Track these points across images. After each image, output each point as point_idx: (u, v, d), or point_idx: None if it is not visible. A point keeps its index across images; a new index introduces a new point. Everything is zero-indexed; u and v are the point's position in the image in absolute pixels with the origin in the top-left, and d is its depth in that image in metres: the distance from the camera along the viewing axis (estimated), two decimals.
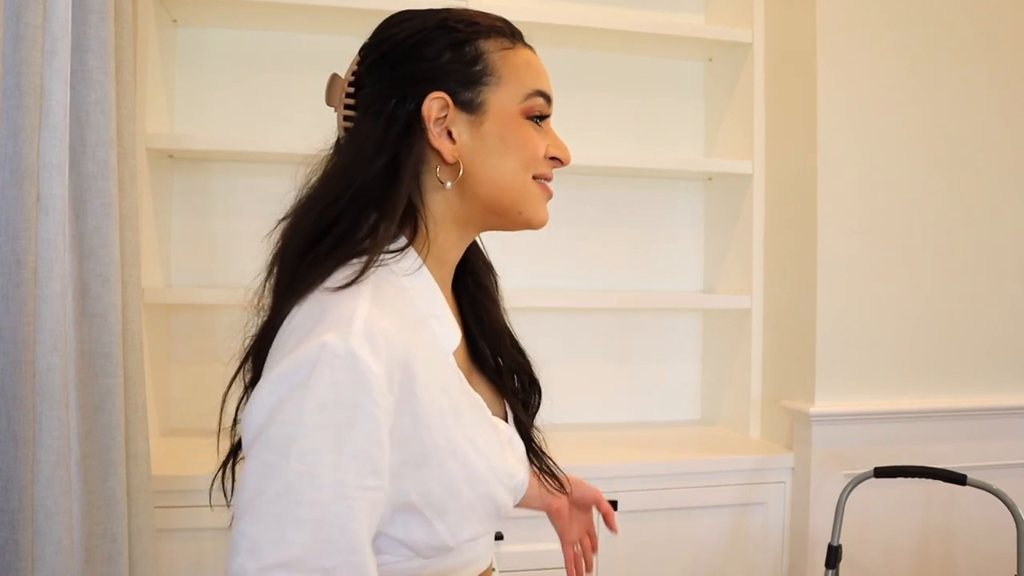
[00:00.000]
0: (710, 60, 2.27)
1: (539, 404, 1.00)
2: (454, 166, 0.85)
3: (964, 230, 1.96)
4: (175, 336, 1.98)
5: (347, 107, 0.88)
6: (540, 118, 0.89)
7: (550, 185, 0.91)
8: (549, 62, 2.40)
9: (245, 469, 0.72)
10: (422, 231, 0.85)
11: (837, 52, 1.87)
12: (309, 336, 0.73)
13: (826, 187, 1.86)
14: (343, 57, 1.01)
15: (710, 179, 2.25)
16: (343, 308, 0.75)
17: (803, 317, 1.90)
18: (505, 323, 0.99)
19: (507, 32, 0.89)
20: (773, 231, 2.04)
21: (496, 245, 2.31)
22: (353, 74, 0.88)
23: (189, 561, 1.60)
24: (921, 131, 1.93)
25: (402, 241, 0.85)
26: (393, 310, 0.78)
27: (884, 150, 1.90)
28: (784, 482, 1.89)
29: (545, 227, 0.91)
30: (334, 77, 0.90)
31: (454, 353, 0.87)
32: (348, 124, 0.88)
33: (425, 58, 0.85)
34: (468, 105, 0.85)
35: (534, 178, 0.88)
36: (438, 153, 0.84)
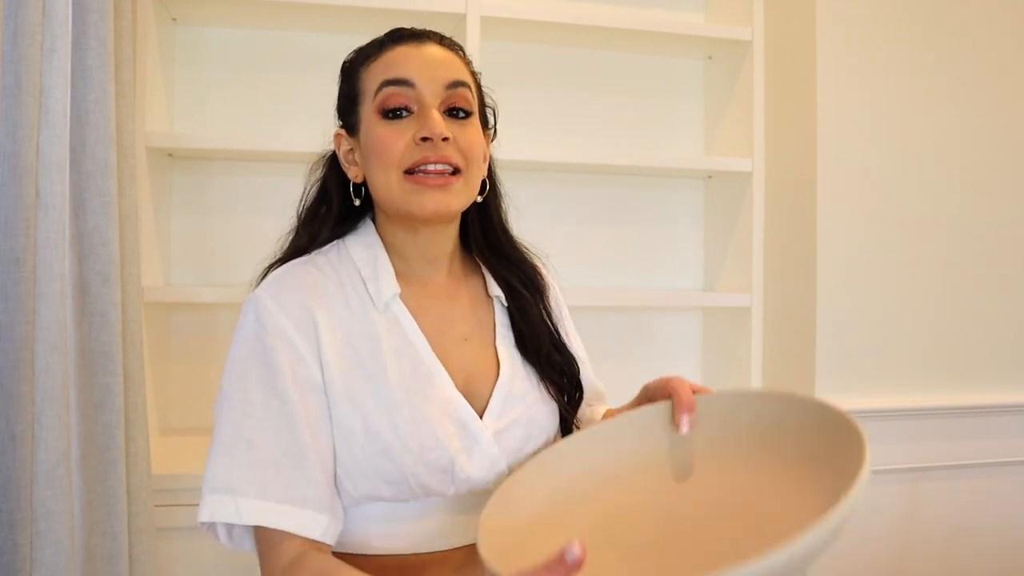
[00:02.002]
0: (710, 58, 2.27)
1: (576, 397, 1.05)
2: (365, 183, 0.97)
3: (964, 226, 1.96)
4: (175, 335, 1.98)
5: None
6: (396, 112, 0.91)
7: (432, 170, 0.90)
8: (548, 61, 2.39)
9: None
10: (378, 228, 0.99)
11: (837, 49, 1.87)
12: None
13: (826, 185, 1.86)
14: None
15: (710, 177, 2.25)
16: (266, 281, 0.93)
17: (803, 315, 1.90)
18: (544, 321, 1.04)
19: (377, 44, 0.97)
20: (773, 229, 2.04)
21: None
22: None
23: (189, 560, 1.60)
24: (922, 128, 1.93)
25: (368, 228, 0.99)
26: (300, 277, 0.92)
27: (884, 147, 1.90)
28: None
29: (427, 215, 0.92)
30: None
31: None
32: None
33: (338, 101, 1.00)
34: (352, 129, 0.97)
35: (407, 173, 0.90)
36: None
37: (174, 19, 1.96)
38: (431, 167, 0.89)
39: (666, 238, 2.27)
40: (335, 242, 0.99)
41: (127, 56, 1.50)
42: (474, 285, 1.04)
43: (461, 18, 1.90)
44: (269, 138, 1.86)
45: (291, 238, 1.00)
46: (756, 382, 2.06)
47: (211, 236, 1.99)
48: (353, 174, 0.97)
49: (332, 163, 1.02)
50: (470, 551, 0.93)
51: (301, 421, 0.85)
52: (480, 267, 1.06)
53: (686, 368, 2.29)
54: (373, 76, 0.94)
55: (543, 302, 1.06)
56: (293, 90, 2.01)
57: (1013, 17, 1.98)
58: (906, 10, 1.91)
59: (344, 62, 1.01)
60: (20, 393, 1.19)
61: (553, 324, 1.05)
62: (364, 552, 0.91)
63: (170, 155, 1.94)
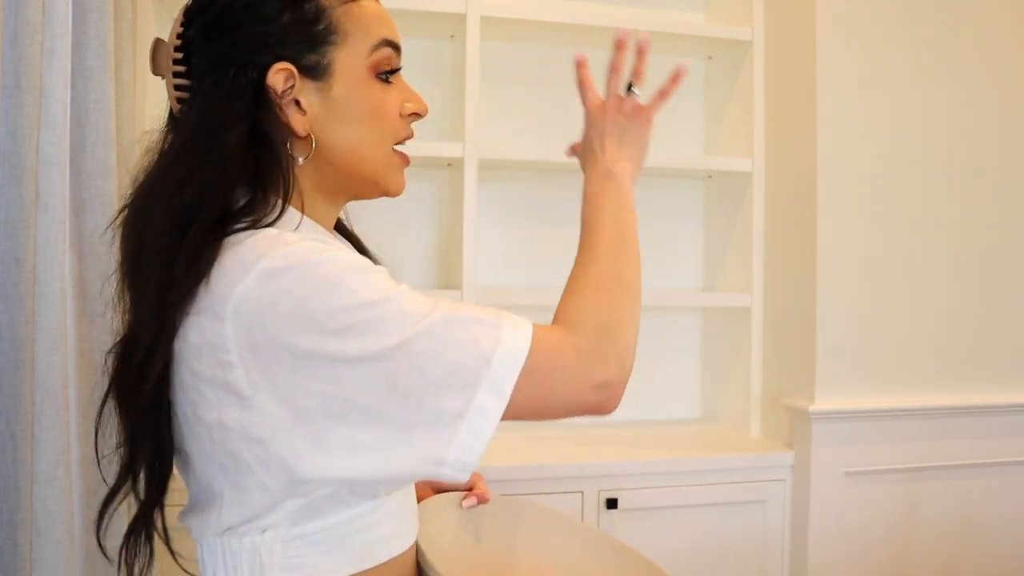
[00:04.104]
0: (710, 58, 2.27)
1: None
2: (307, 138, 0.80)
3: (964, 226, 1.96)
4: None
5: (178, 75, 0.80)
6: (390, 72, 0.84)
7: (406, 149, 0.87)
8: (548, 61, 2.38)
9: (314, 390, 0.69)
10: (292, 203, 0.79)
11: (837, 49, 1.87)
12: (246, 271, 0.70)
13: (826, 184, 1.86)
14: None
15: (710, 177, 2.25)
16: (259, 241, 0.72)
17: (803, 315, 1.90)
18: None
19: None
20: (773, 229, 2.04)
21: (493, 243, 2.30)
22: (179, 37, 0.81)
23: (189, 561, 1.60)
24: (922, 128, 1.92)
25: (277, 208, 0.78)
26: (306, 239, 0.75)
27: (884, 147, 1.90)
28: (784, 480, 1.89)
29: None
30: (158, 42, 0.83)
31: None
32: (181, 94, 0.80)
33: (263, 19, 0.78)
34: (314, 70, 0.79)
35: (395, 145, 0.85)
36: (288, 126, 0.79)
37: (174, 19, 1.96)
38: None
39: (666, 238, 2.27)
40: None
41: (127, 56, 1.50)
42: None
43: (461, 18, 1.90)
44: None
45: (215, 215, 0.74)
46: (756, 382, 2.06)
47: None
48: (301, 125, 0.79)
49: (253, 107, 0.78)
50: None
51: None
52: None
53: (686, 368, 2.29)
54: (363, 24, 0.82)
55: None
56: None
57: (1013, 17, 1.98)
58: (906, 10, 1.91)
59: None
60: (20, 393, 1.19)
61: None
62: (371, 564, 0.82)
63: None
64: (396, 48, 0.84)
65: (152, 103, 1.81)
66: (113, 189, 1.42)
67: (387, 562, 0.82)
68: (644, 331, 2.32)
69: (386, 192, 0.86)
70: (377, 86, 0.82)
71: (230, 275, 0.70)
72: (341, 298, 0.69)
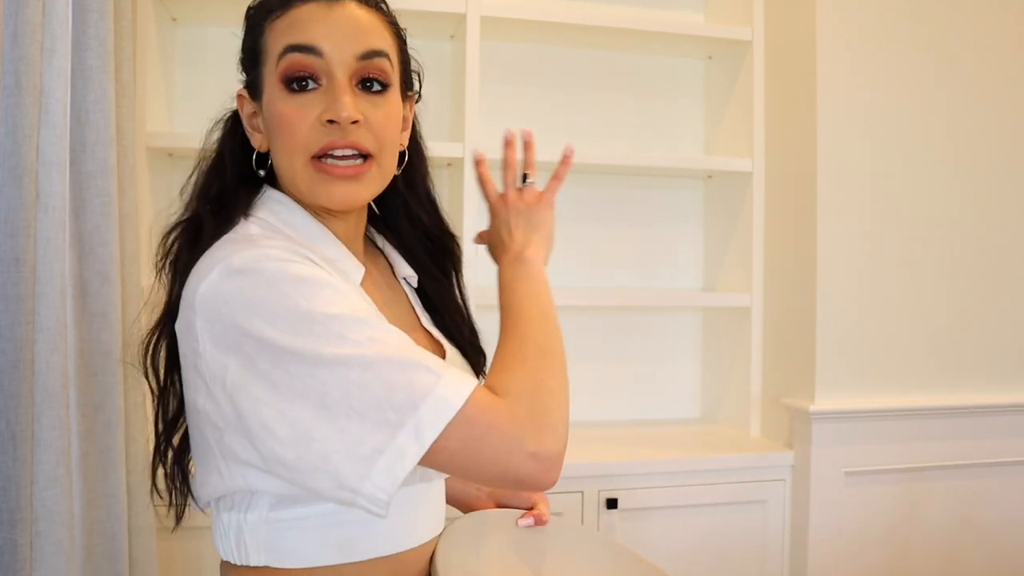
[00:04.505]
0: (710, 58, 2.27)
1: (483, 369, 1.04)
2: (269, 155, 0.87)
3: (964, 226, 1.96)
4: None
5: None
6: (300, 83, 0.80)
7: (340, 155, 0.81)
8: (548, 61, 2.39)
9: (263, 403, 0.72)
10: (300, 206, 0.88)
11: (837, 49, 1.87)
12: (209, 273, 0.75)
13: (826, 184, 1.86)
14: None
15: (710, 177, 2.25)
16: (232, 242, 0.78)
17: (803, 315, 1.90)
18: (460, 306, 1.03)
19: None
20: (773, 229, 2.04)
21: None
22: None
23: (189, 560, 1.60)
24: (922, 128, 1.92)
25: (286, 203, 0.87)
26: (282, 244, 0.79)
27: (884, 147, 1.90)
28: (784, 480, 1.89)
29: (339, 206, 0.85)
30: None
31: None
32: None
33: (242, 50, 0.90)
34: (255, 91, 0.87)
35: (314, 158, 0.81)
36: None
37: (174, 19, 1.96)
38: (339, 152, 0.80)
39: (666, 238, 2.27)
40: (255, 219, 0.85)
41: (127, 56, 1.50)
42: (382, 265, 0.98)
43: (461, 18, 1.90)
44: None
45: (196, 228, 0.84)
46: (756, 382, 2.06)
47: None
48: (258, 142, 0.87)
49: (234, 125, 0.91)
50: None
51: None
52: (376, 246, 1.00)
53: (686, 368, 2.30)
54: (277, 35, 0.82)
55: (459, 279, 1.04)
56: None
57: (1013, 17, 1.98)
58: (906, 10, 1.91)
59: (248, 8, 0.89)
60: (20, 393, 1.19)
61: (466, 303, 1.04)
62: (352, 559, 0.82)
63: (170, 155, 1.93)
64: (308, 50, 0.80)
65: (152, 103, 1.81)
66: (113, 189, 1.42)
67: (373, 559, 0.82)
68: (644, 331, 2.34)
69: (320, 207, 0.85)
70: (284, 99, 0.81)
71: (202, 272, 0.76)
72: (285, 305, 0.72)
